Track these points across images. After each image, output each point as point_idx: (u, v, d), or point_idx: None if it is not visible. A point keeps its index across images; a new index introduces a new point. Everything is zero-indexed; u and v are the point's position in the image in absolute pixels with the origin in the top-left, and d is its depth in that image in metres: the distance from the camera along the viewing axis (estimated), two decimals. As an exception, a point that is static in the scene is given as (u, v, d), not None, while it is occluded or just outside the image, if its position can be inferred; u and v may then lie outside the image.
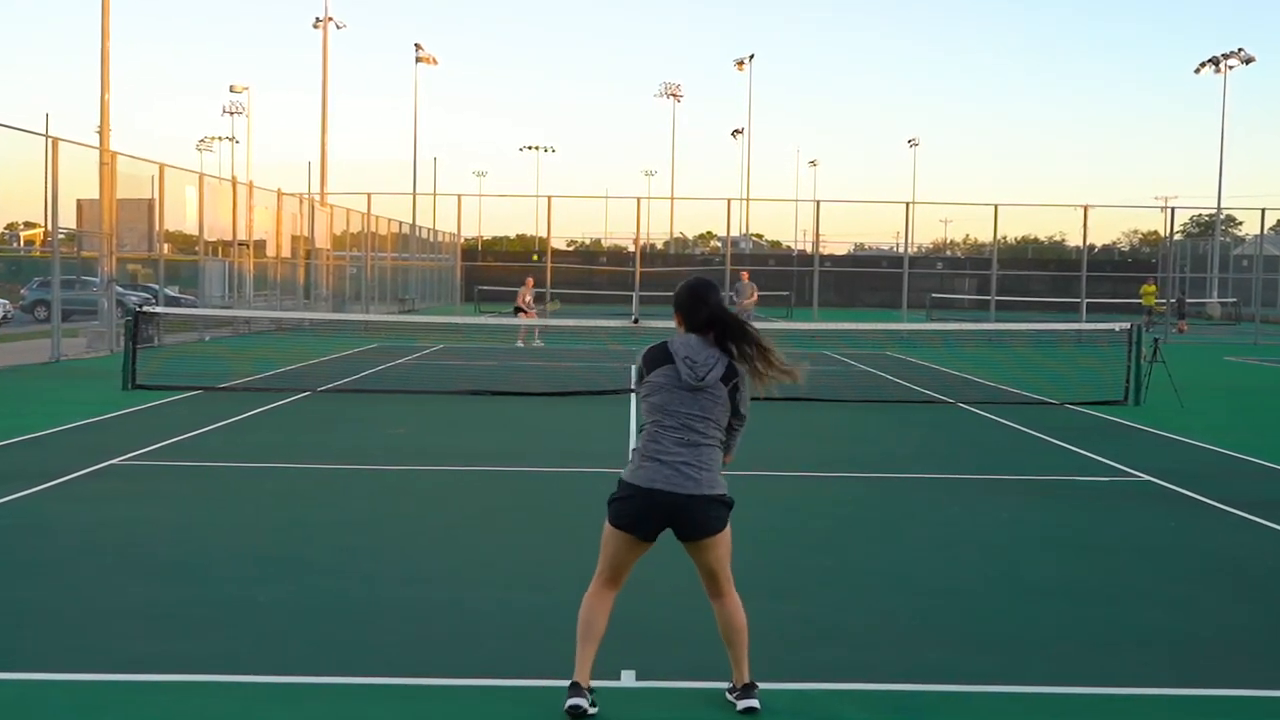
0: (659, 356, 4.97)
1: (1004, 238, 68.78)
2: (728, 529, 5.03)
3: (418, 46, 68.02)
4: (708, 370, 4.91)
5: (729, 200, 49.78)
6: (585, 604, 5.09)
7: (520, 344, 28.46)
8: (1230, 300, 53.28)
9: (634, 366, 4.56)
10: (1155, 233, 79.43)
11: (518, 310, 29.44)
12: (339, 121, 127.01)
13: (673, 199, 74.47)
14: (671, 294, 5.15)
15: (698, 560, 5.08)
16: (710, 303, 5.01)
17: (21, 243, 35.50)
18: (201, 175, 31.55)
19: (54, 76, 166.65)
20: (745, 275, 31.35)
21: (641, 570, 7.71)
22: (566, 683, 4.99)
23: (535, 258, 29.40)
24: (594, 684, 5.04)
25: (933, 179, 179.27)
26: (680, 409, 4.92)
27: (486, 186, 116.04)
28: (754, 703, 4.99)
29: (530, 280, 30.94)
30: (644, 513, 4.93)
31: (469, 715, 5.03)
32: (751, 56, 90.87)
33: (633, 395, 17.48)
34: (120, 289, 26.96)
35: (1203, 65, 65.03)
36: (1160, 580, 7.61)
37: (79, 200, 24.93)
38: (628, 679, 5.46)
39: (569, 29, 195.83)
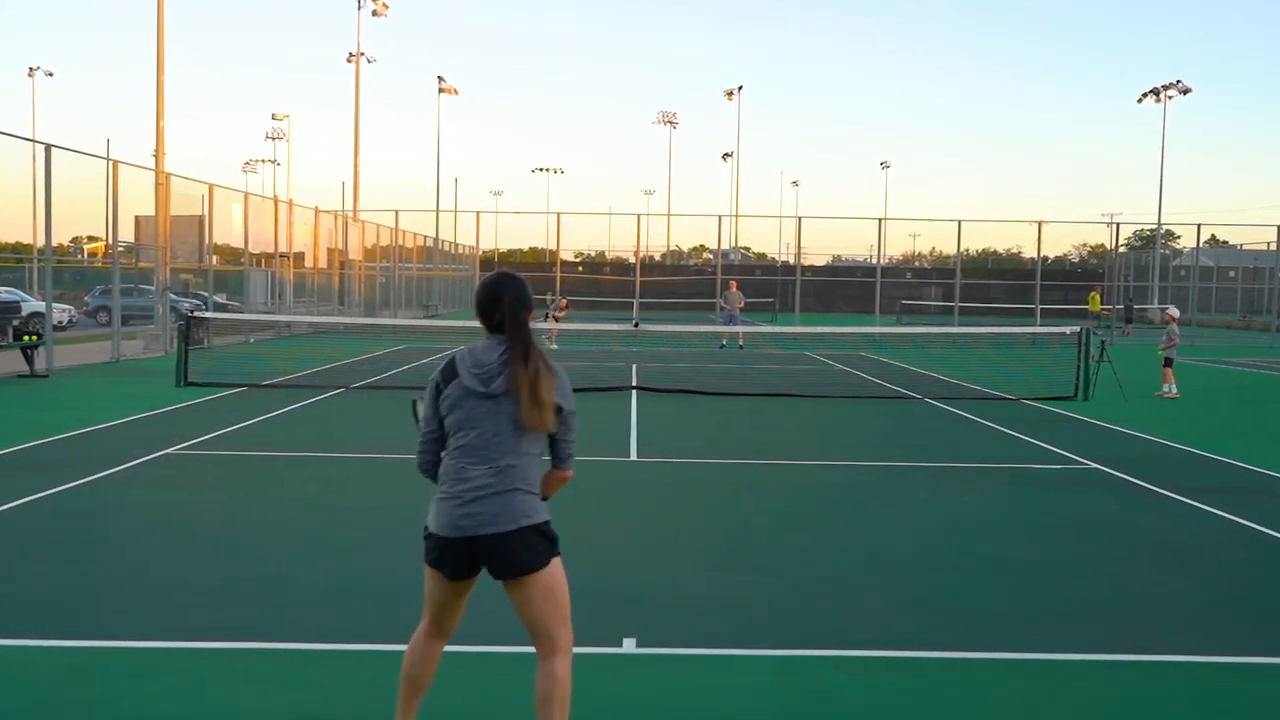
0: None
1: (966, 250, 68.73)
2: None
3: (440, 79, 68.03)
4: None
5: (719, 217, 49.80)
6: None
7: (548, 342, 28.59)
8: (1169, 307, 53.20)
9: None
10: (1102, 246, 79.32)
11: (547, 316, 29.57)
12: (370, 145, 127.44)
13: (669, 215, 74.73)
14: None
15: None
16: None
17: (85, 255, 35.46)
18: (246, 194, 31.56)
19: (114, 104, 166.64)
20: (734, 285, 31.34)
21: (643, 542, 7.72)
22: (595, 650, 4.95)
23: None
24: (596, 650, 5.02)
25: (902, 197, 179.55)
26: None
27: (502, 204, 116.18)
28: None
29: (564, 301, 31.84)
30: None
31: (479, 677, 5.04)
32: (740, 87, 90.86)
33: (633, 392, 17.48)
34: (174, 296, 26.94)
35: (1145, 95, 65.02)
36: (1105, 557, 7.61)
37: (137, 216, 24.94)
38: (629, 646, 5.47)
39: (576, 63, 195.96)
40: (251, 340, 28.60)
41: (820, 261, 74.58)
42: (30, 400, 15.19)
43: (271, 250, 32.32)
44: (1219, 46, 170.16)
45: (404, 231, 47.44)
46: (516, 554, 3.75)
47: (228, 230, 29.27)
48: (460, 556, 3.80)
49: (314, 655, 5.31)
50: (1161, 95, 63.85)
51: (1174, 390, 18.46)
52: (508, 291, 3.88)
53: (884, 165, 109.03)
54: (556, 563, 3.85)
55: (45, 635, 5.47)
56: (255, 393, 16.57)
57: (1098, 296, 44.35)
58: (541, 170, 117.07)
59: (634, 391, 17.59)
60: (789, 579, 6.86)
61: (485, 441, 3.75)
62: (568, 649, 3.86)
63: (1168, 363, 18.68)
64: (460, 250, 61.70)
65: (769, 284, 56.16)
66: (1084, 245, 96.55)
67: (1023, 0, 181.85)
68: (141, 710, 4.62)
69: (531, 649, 5.28)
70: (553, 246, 52.83)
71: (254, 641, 5.45)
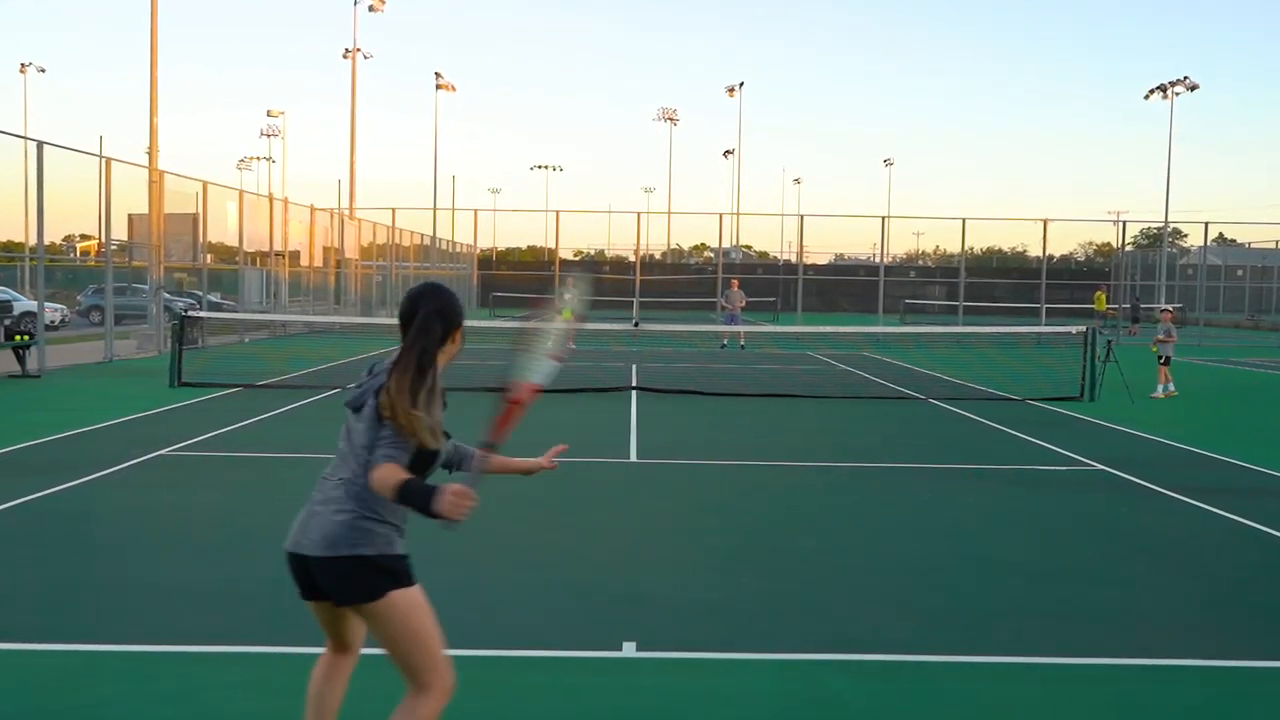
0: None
1: (971, 248, 68.63)
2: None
3: (438, 75, 68.14)
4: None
5: (720, 215, 49.82)
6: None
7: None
8: (1176, 306, 53.28)
9: None
10: (1108, 244, 79.41)
11: None
12: (367, 143, 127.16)
13: (669, 213, 74.64)
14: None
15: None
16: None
17: (78, 253, 35.49)
18: (241, 192, 31.58)
19: (107, 101, 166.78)
20: (735, 284, 31.35)
21: (643, 544, 7.73)
22: (594, 654, 4.90)
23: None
24: (597, 654, 5.03)
25: (906, 195, 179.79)
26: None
27: (500, 202, 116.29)
28: None
29: (572, 281, 30.69)
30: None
31: (486, 683, 5.06)
32: (741, 84, 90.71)
33: (633, 393, 17.50)
34: (167, 295, 26.96)
35: (1152, 92, 64.95)
36: (1111, 559, 7.64)
37: (130, 214, 24.95)
38: (629, 649, 5.48)
39: (575, 59, 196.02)
40: (246, 340, 28.61)
41: (823, 260, 74.54)
42: (22, 401, 15.21)
43: (266, 249, 32.32)
44: (1226, 42, 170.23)
45: (401, 230, 47.43)
46: (335, 582, 3.47)
47: (222, 228, 29.28)
48: (295, 572, 3.59)
49: (313, 659, 5.32)
50: (1168, 92, 63.83)
51: (1166, 389, 18.46)
52: (426, 304, 3.59)
53: (887, 163, 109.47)
54: (397, 599, 3.46)
55: (42, 639, 5.49)
56: (250, 393, 16.58)
57: (1104, 296, 44.44)
58: (540, 168, 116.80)
59: (634, 392, 17.61)
60: (791, 582, 6.88)
61: (340, 456, 3.56)
62: (431, 690, 3.49)
63: (1165, 361, 18.67)
64: (458, 249, 61.74)
65: (771, 283, 56.14)
66: (1090, 244, 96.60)
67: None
68: (140, 714, 4.64)
69: (543, 653, 5.33)
70: (552, 245, 52.79)
71: (253, 645, 5.47)
